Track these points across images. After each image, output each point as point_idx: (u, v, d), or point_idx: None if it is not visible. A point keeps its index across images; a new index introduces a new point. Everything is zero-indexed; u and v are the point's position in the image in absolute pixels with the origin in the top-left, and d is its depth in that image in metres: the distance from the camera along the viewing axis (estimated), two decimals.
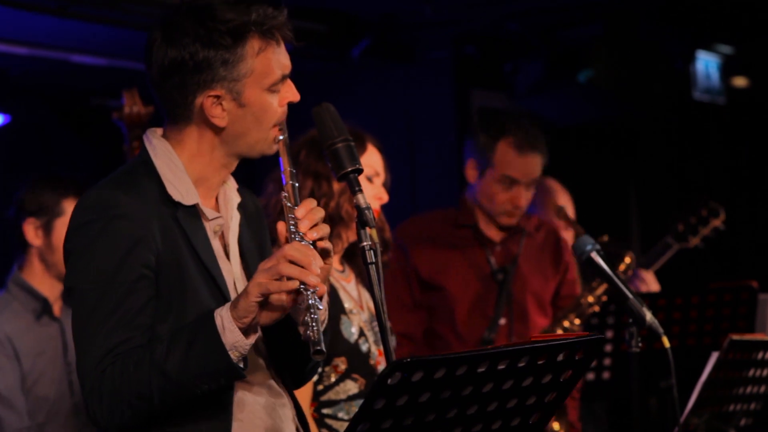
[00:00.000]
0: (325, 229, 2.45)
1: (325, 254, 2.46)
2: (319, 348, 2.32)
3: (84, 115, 6.54)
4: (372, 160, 3.55)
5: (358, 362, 3.46)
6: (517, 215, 4.47)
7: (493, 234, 4.51)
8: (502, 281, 4.45)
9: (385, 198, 3.57)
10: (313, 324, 2.33)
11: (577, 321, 4.45)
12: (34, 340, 4.11)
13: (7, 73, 6.02)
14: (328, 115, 2.55)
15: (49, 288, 4.17)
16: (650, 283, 4.88)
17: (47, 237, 4.14)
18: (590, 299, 4.47)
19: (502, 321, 4.42)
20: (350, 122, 2.58)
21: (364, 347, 3.47)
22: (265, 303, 2.36)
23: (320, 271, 2.43)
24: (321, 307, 2.37)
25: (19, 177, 4.33)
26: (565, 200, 5.29)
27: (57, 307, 4.20)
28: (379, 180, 3.59)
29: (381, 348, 3.52)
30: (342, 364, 3.43)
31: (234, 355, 2.36)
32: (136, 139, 4.42)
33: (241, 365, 2.40)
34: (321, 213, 2.45)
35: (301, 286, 2.34)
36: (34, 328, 4.13)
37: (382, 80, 6.64)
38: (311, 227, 2.42)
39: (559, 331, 4.41)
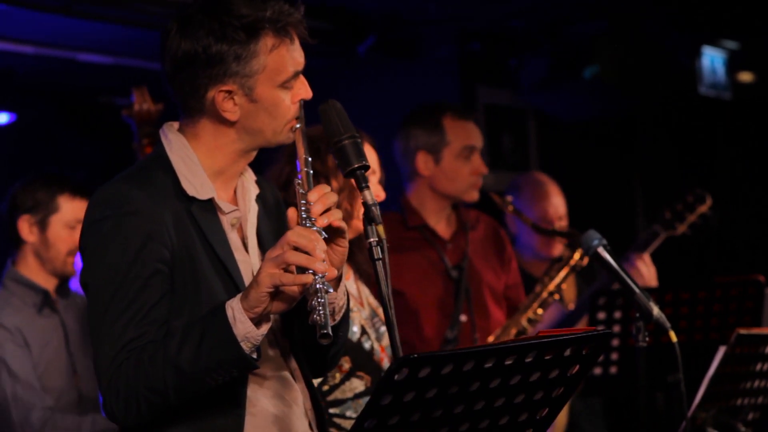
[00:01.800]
0: (337, 213, 2.45)
1: (340, 235, 2.46)
2: (325, 331, 2.32)
3: (90, 114, 6.55)
4: (369, 158, 3.56)
5: (362, 360, 3.45)
6: (479, 187, 4.51)
7: (443, 231, 4.52)
8: (458, 278, 4.44)
9: (382, 195, 3.57)
10: (320, 308, 2.33)
11: (540, 311, 4.45)
12: (38, 331, 4.14)
13: (13, 71, 6.03)
14: (335, 112, 2.54)
15: (45, 282, 4.20)
16: (647, 266, 4.82)
17: (42, 233, 4.17)
18: (551, 288, 4.47)
19: (463, 318, 4.41)
20: (350, 119, 2.58)
21: (366, 345, 3.47)
22: (276, 293, 2.37)
23: (335, 253, 2.45)
24: (330, 291, 2.37)
25: (24, 175, 4.34)
26: (555, 193, 5.27)
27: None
28: (375, 178, 3.60)
29: (383, 344, 3.52)
30: (346, 363, 3.43)
31: (246, 346, 2.37)
32: (146, 137, 4.45)
33: (254, 356, 2.40)
34: (334, 197, 2.45)
35: (309, 271, 2.34)
36: (37, 321, 4.15)
37: (388, 77, 6.64)
38: (323, 212, 2.42)
39: (524, 323, 4.40)
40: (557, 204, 5.24)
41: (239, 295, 2.39)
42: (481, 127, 4.67)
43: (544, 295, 4.46)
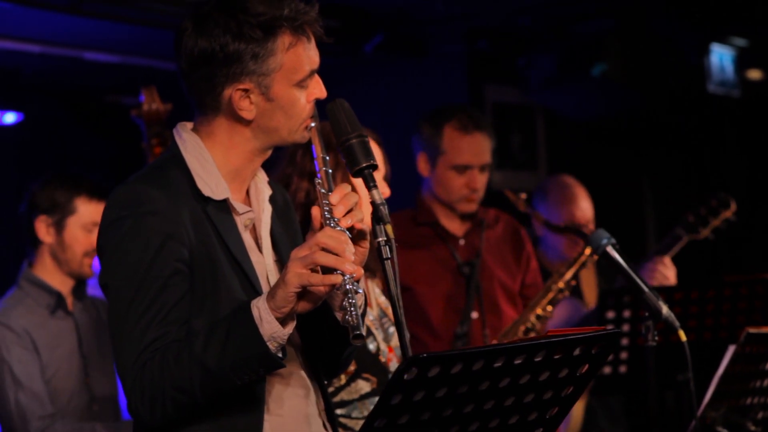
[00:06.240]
0: (359, 215, 2.44)
1: (361, 237, 2.46)
2: (358, 332, 2.32)
3: (97, 113, 6.57)
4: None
5: (368, 362, 3.43)
6: (476, 200, 4.47)
7: (456, 228, 4.52)
8: (469, 275, 4.43)
9: (387, 192, 3.56)
10: (352, 309, 2.33)
11: (549, 308, 4.42)
12: (49, 334, 4.13)
13: (20, 71, 6.04)
14: (342, 110, 2.54)
15: (61, 283, 4.19)
16: (668, 268, 4.80)
17: (59, 234, 4.16)
18: (560, 285, 4.45)
19: (474, 315, 4.41)
20: (358, 118, 2.56)
21: (371, 346, 3.45)
22: (302, 293, 2.37)
23: (357, 254, 2.45)
24: (360, 291, 2.37)
25: (32, 175, 4.34)
26: (583, 197, 5.24)
27: (69, 302, 4.22)
28: (380, 175, 3.58)
29: (392, 345, 3.51)
30: (351, 365, 3.41)
31: (272, 346, 2.37)
32: (155, 137, 4.43)
33: (280, 355, 2.41)
34: (355, 198, 2.45)
35: (337, 272, 2.34)
36: (49, 323, 4.15)
37: (395, 75, 6.63)
38: (346, 213, 2.42)
39: (533, 319, 4.38)
40: (585, 208, 5.19)
41: (264, 295, 2.39)
42: (489, 125, 4.62)
43: (554, 291, 4.44)
